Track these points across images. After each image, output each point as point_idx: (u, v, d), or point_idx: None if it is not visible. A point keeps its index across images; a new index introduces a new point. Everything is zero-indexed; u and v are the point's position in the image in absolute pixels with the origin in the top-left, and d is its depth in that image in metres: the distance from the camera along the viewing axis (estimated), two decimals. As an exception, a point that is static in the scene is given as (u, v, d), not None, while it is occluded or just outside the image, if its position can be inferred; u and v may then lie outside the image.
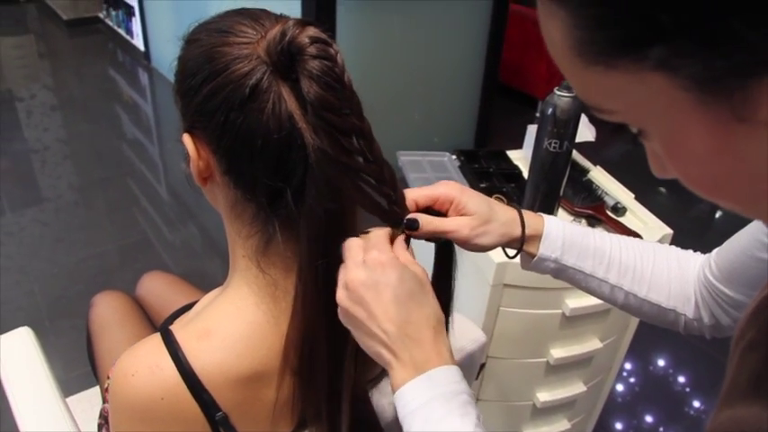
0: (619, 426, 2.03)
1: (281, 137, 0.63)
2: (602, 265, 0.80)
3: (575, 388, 1.49)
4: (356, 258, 0.64)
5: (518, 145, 1.72)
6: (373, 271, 0.62)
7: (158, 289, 1.37)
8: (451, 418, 0.57)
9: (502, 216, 0.77)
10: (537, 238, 0.79)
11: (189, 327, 0.71)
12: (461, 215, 0.75)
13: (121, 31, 5.14)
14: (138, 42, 4.79)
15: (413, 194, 0.74)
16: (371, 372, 0.87)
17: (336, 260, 0.66)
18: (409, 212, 0.72)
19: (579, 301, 1.30)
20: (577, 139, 1.30)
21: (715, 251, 0.78)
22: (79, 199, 3.12)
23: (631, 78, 0.35)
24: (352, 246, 0.65)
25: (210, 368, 0.67)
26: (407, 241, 0.71)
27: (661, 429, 2.03)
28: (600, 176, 1.57)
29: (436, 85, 3.31)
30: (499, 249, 0.80)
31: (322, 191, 0.64)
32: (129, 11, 4.85)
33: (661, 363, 2.28)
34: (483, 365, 1.38)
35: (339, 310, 0.64)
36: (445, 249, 0.76)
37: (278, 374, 0.72)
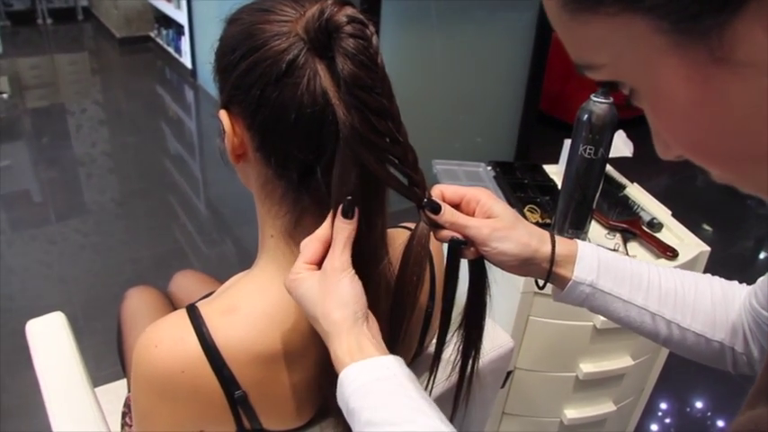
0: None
1: (314, 111, 0.64)
2: (640, 291, 0.74)
3: (604, 407, 1.46)
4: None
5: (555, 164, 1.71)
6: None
7: (190, 286, 1.39)
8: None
9: (528, 227, 0.74)
10: (569, 260, 0.74)
11: (214, 303, 0.72)
12: (485, 218, 0.74)
13: (170, 50, 5.30)
14: (186, 60, 4.93)
15: (441, 187, 0.74)
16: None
17: (365, 235, 0.67)
18: (432, 197, 0.72)
19: (611, 313, 1.27)
20: (614, 154, 1.29)
21: (760, 280, 0.73)
22: (120, 211, 3.19)
23: (612, 25, 0.36)
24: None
25: (233, 343, 0.68)
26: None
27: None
28: (637, 193, 1.55)
29: (477, 106, 3.32)
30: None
31: (348, 166, 0.65)
32: (180, 30, 5.00)
33: (695, 393, 2.20)
34: (510, 373, 1.36)
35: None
36: (473, 261, 0.75)
37: (301, 356, 0.72)
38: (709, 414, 2.14)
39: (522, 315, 1.29)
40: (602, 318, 1.26)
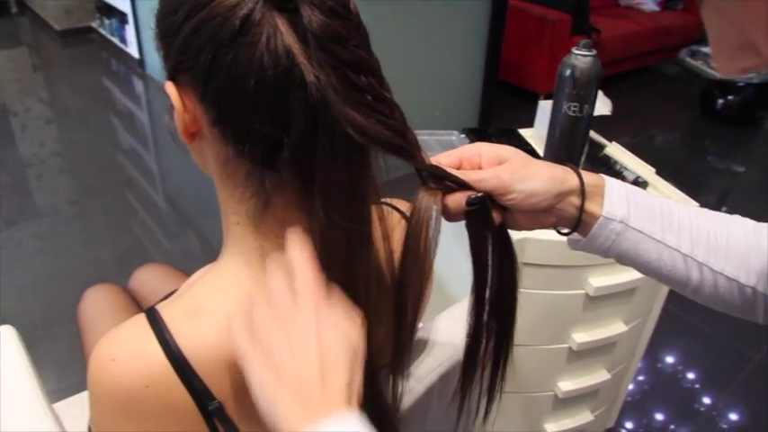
0: (640, 419, 1.93)
1: (276, 74, 0.54)
2: (671, 230, 0.65)
3: (598, 376, 1.40)
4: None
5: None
6: None
7: (153, 280, 1.28)
8: None
9: (544, 161, 0.65)
10: (598, 192, 0.64)
11: (176, 304, 0.62)
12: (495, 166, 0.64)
13: (115, 40, 5.07)
14: (133, 50, 4.73)
15: (435, 158, 0.65)
16: (385, 355, 0.78)
17: (350, 215, 0.58)
18: (431, 163, 0.63)
19: (604, 279, 1.21)
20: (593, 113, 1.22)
21: None
22: (76, 211, 3.04)
23: None
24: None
25: (202, 350, 0.58)
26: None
27: (673, 426, 1.93)
28: (617, 152, 1.47)
29: (435, 78, 3.24)
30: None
31: (333, 136, 0.56)
32: (123, 18, 4.78)
33: (681, 355, 2.18)
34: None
35: None
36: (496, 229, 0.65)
37: None
38: (697, 375, 2.12)
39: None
40: (595, 284, 1.20)
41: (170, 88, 0.59)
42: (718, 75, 3.88)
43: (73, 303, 1.33)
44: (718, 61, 0.37)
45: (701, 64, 3.98)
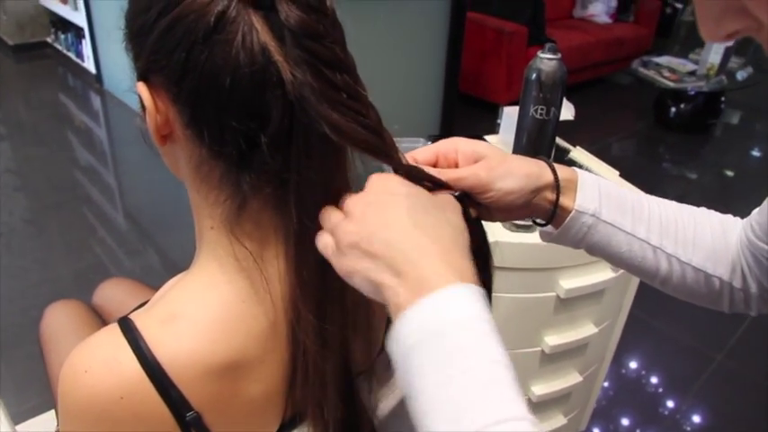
0: (608, 423, 1.95)
1: (253, 72, 0.52)
2: (641, 222, 0.66)
3: (570, 378, 1.40)
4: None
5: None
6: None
7: (120, 295, 1.25)
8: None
9: (519, 157, 0.65)
10: (571, 187, 0.65)
11: (151, 312, 0.59)
12: (472, 164, 0.64)
13: (71, 55, 4.96)
14: (89, 65, 4.63)
15: (411, 154, 0.64)
16: (362, 361, 0.76)
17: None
18: (406, 161, 0.62)
19: (574, 281, 1.22)
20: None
21: (755, 211, 0.67)
22: (32, 230, 2.95)
23: None
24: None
25: (179, 358, 0.56)
26: None
27: (640, 429, 1.96)
28: (582, 156, 1.50)
29: (393, 91, 3.25)
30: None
31: (309, 135, 0.55)
32: (79, 33, 4.68)
33: (645, 358, 2.21)
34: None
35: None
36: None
37: (259, 363, 0.61)
38: (662, 378, 2.14)
39: (484, 292, 1.21)
40: (565, 286, 1.21)
41: (141, 89, 0.58)
42: (670, 84, 3.99)
43: (31, 324, 1.29)
44: (705, 26, 0.37)
45: (654, 74, 4.08)
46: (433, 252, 0.50)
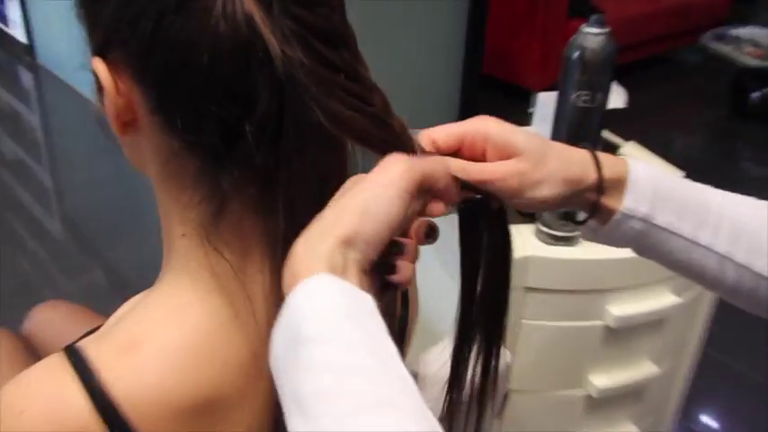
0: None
1: (236, 46, 0.55)
2: (706, 226, 0.68)
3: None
4: None
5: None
6: None
7: (58, 321, 1.28)
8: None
9: (561, 153, 0.68)
10: (619, 185, 0.68)
11: (106, 339, 0.62)
12: (503, 158, 0.66)
13: (-7, 21, 5.02)
14: (18, 33, 4.65)
15: (430, 132, 0.66)
16: None
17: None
18: (422, 150, 0.64)
19: (626, 307, 1.25)
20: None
21: None
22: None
23: None
24: None
25: (140, 394, 0.59)
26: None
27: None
28: (636, 153, 1.53)
29: (405, 75, 3.28)
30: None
31: (299, 125, 0.57)
32: (3, -7, 4.75)
33: (725, 408, 2.22)
34: (506, 396, 1.31)
35: None
36: (488, 220, 0.68)
37: (239, 401, 0.64)
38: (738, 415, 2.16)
39: (513, 318, 1.23)
40: (615, 313, 1.23)
41: (99, 66, 0.60)
42: (752, 62, 3.96)
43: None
44: None
45: (731, 49, 4.06)
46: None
